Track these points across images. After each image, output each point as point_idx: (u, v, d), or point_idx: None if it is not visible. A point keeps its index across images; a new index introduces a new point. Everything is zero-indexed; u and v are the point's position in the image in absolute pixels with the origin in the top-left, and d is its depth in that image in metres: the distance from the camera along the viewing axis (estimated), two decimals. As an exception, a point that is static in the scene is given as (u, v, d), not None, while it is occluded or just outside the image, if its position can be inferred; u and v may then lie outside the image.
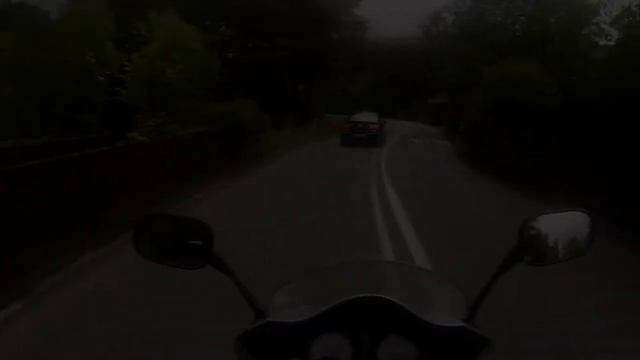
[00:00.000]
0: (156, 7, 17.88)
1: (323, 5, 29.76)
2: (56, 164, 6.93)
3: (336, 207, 9.27)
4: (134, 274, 4.85)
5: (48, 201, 6.28)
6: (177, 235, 1.23)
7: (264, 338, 1.03)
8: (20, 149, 13.57)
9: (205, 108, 14.61)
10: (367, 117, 23.51)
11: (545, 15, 22.81)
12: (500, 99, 15.70)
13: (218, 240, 1.20)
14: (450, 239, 7.28)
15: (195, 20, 19.87)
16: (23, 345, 3.95)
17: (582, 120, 13.28)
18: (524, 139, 14.41)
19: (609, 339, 4.03)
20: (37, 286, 5.15)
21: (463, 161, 18.69)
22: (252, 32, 28.27)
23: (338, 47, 34.15)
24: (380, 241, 6.95)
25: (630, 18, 13.74)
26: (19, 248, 5.51)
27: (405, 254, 6.31)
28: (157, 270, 1.37)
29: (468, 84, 31.15)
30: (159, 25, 16.79)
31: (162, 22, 16.95)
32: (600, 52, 17.83)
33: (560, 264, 1.16)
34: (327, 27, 31.85)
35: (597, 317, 4.42)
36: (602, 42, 17.82)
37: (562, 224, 1.18)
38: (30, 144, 15.33)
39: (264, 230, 7.23)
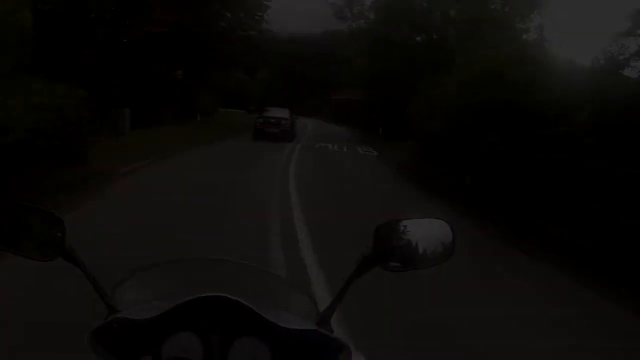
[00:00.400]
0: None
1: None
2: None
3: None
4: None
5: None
6: (32, 226, 1.19)
7: (116, 334, 1.02)
8: None
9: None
10: (280, 112, 23.38)
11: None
12: (487, 100, 9.98)
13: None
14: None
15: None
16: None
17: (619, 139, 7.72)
18: (529, 161, 8.98)
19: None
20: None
21: (425, 191, 11.84)
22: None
23: (231, 29, 27.68)
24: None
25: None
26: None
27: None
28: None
29: (387, 78, 28.08)
30: None
31: None
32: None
33: (417, 270, 1.15)
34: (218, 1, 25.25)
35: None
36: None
37: (421, 231, 1.15)
38: None
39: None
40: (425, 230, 1.16)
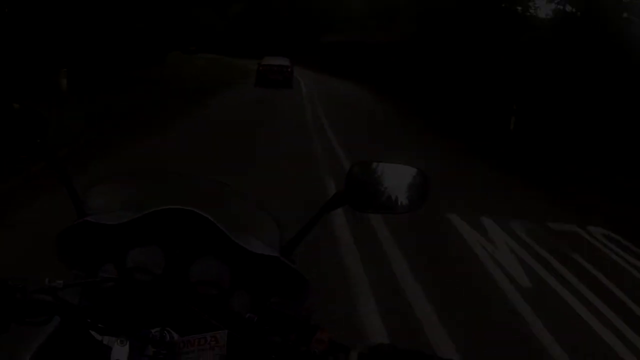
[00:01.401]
0: None
1: None
2: None
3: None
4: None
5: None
6: (11, 123, 1.12)
7: (82, 238, 1.04)
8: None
9: None
10: (281, 60, 24.08)
11: None
12: None
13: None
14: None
15: None
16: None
17: None
18: None
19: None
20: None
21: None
22: None
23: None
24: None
25: None
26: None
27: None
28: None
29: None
30: None
31: None
32: None
33: (385, 215, 1.22)
34: None
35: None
36: None
37: (396, 177, 1.14)
38: None
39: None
40: (400, 176, 1.14)
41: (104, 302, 0.95)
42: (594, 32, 13.22)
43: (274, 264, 1.00)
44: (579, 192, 8.16)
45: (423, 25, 21.60)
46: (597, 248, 5.59)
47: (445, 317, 3.65)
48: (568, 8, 16.57)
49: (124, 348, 0.85)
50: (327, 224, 4.78)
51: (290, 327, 0.90)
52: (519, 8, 19.67)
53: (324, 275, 3.85)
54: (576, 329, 3.78)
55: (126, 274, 0.98)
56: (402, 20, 25.54)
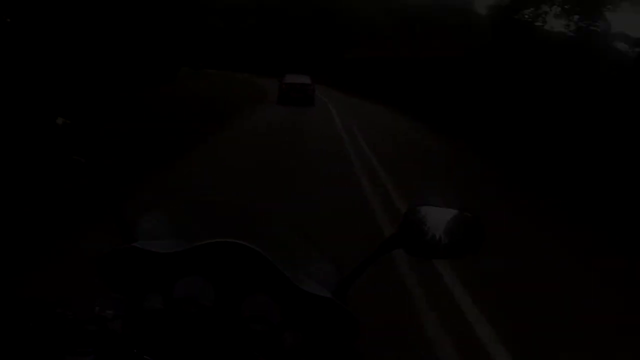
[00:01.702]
0: None
1: None
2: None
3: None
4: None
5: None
6: (55, 143, 1.12)
7: (127, 263, 1.00)
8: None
9: None
10: (303, 79, 24.09)
11: None
12: None
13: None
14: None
15: None
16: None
17: None
18: None
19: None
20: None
21: None
22: None
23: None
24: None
25: None
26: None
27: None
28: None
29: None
30: None
31: None
32: None
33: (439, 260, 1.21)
34: None
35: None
36: None
37: (450, 222, 1.12)
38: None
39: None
40: (456, 221, 1.12)
41: (151, 333, 0.93)
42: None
43: (326, 305, 0.96)
44: None
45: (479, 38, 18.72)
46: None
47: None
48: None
49: None
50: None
51: None
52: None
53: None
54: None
55: (174, 305, 0.95)
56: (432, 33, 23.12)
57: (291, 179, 7.77)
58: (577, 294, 4.34)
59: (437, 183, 8.43)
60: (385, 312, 3.47)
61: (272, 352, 0.92)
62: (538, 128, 12.95)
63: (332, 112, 20.62)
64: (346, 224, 5.50)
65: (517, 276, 4.54)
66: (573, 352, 3.33)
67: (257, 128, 14.08)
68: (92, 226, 4.12)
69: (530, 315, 3.79)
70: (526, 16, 18.61)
